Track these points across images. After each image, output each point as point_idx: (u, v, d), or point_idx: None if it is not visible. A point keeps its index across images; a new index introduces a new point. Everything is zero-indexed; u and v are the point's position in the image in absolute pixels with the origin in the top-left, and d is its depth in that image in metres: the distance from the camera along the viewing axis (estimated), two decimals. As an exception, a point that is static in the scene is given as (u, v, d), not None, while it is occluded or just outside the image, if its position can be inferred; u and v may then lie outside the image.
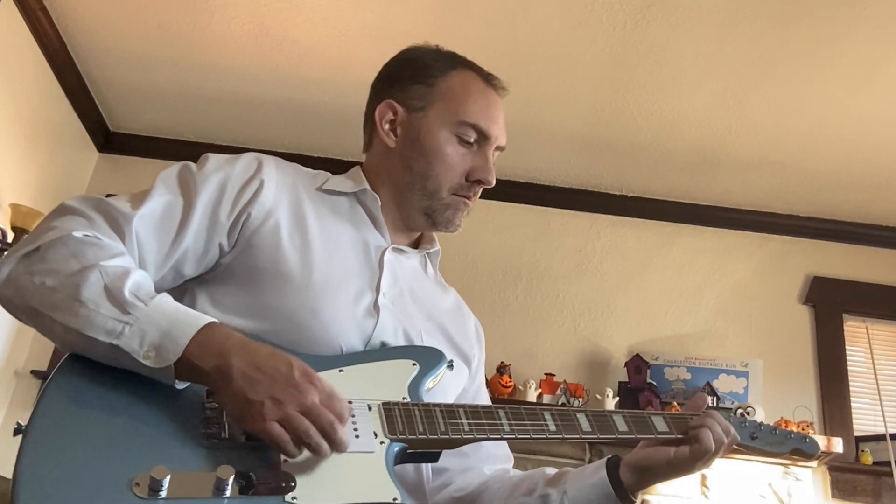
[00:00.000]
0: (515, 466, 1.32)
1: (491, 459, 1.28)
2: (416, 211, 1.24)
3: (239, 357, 0.90)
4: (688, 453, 1.10)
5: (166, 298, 0.94)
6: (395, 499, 0.90)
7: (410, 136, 1.24)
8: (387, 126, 1.26)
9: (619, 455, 1.17)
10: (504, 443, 1.30)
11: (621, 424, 1.12)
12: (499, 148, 1.27)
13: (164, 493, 0.81)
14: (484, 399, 1.35)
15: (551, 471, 1.22)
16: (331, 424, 0.89)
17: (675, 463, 1.11)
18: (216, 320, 0.95)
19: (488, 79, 1.29)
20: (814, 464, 3.33)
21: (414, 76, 1.27)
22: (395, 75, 1.30)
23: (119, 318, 0.90)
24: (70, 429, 0.85)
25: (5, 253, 3.11)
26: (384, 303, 1.15)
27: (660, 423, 1.14)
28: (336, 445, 0.90)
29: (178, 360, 0.89)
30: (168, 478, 0.81)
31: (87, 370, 0.91)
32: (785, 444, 1.27)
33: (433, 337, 1.21)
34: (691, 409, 1.18)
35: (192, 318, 0.93)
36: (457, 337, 1.27)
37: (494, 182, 1.24)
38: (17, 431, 0.84)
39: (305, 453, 0.89)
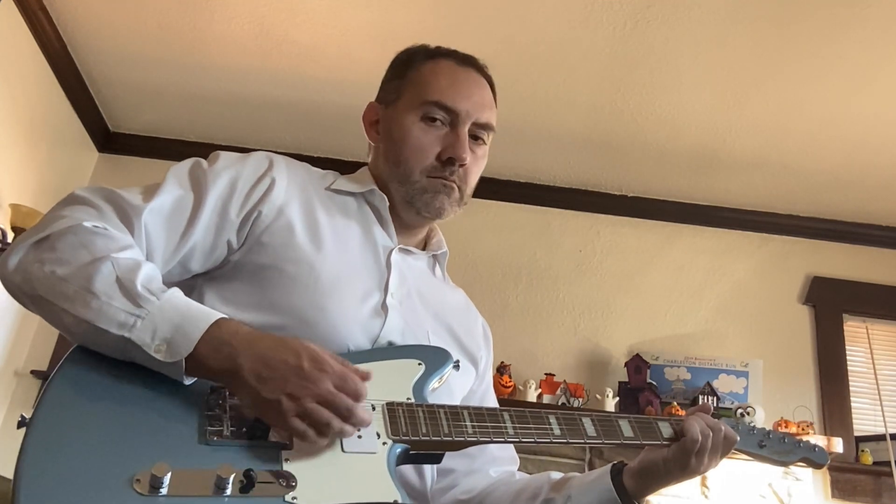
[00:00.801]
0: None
1: (496, 462, 1.28)
2: (401, 203, 1.23)
3: (247, 356, 0.90)
4: (679, 449, 1.10)
5: (177, 293, 0.95)
6: (395, 501, 0.90)
7: (386, 128, 1.25)
8: (370, 126, 1.28)
9: (623, 461, 1.17)
10: (510, 445, 1.29)
11: (627, 430, 1.11)
12: (481, 126, 1.22)
13: (164, 491, 0.81)
14: (491, 400, 1.35)
15: (556, 475, 1.22)
16: (349, 409, 0.90)
17: (670, 461, 1.10)
18: (226, 316, 0.95)
19: (464, 60, 1.27)
20: (814, 464, 3.32)
21: (391, 75, 1.29)
22: (382, 80, 1.32)
23: (131, 311, 0.90)
24: (72, 425, 0.85)
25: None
26: (392, 303, 1.15)
27: (666, 429, 1.13)
28: (358, 424, 0.91)
29: (189, 355, 0.89)
30: (169, 475, 0.81)
31: (91, 366, 0.91)
32: (794, 454, 1.26)
33: (440, 337, 1.21)
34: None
35: (204, 314, 0.93)
36: (464, 338, 1.27)
37: (466, 157, 1.19)
38: (20, 424, 0.84)
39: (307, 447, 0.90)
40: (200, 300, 1.07)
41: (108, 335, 0.89)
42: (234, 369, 0.90)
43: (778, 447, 1.25)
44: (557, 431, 1.06)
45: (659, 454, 1.11)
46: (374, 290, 1.15)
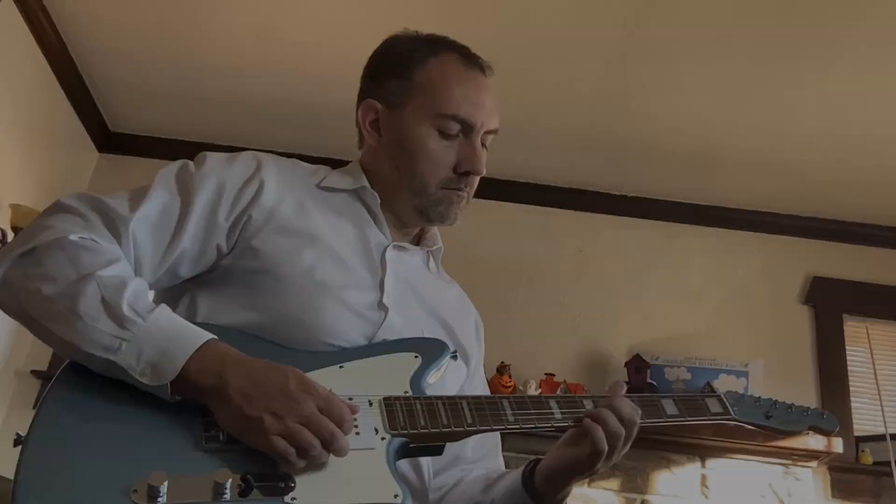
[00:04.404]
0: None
1: (460, 461, 1.24)
2: (409, 209, 1.22)
3: (235, 374, 0.90)
4: (585, 457, 1.03)
5: (165, 312, 0.94)
6: (396, 496, 0.90)
7: (392, 134, 1.22)
8: (369, 126, 1.24)
9: (539, 458, 1.11)
10: (484, 448, 1.26)
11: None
12: (490, 132, 1.22)
13: (162, 499, 0.81)
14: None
15: (494, 474, 1.18)
16: (332, 434, 0.89)
17: (577, 467, 1.05)
18: (215, 337, 0.94)
19: (470, 60, 1.24)
20: (814, 464, 3.33)
21: (391, 71, 1.24)
22: (374, 72, 1.28)
23: (116, 334, 0.89)
24: (69, 437, 0.85)
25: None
26: (388, 302, 1.14)
27: (669, 406, 1.12)
28: (337, 453, 0.90)
29: (174, 378, 0.89)
30: (166, 483, 0.81)
31: (86, 378, 0.91)
32: (801, 422, 1.22)
33: (436, 335, 1.19)
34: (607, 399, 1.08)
35: (191, 336, 0.92)
36: (459, 334, 1.26)
37: (484, 170, 1.20)
38: (16, 442, 0.84)
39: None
40: (193, 305, 1.06)
41: (94, 357, 0.89)
42: (220, 386, 0.89)
43: (785, 416, 1.21)
44: (559, 416, 1.05)
45: (568, 459, 1.06)
46: (370, 289, 1.14)
